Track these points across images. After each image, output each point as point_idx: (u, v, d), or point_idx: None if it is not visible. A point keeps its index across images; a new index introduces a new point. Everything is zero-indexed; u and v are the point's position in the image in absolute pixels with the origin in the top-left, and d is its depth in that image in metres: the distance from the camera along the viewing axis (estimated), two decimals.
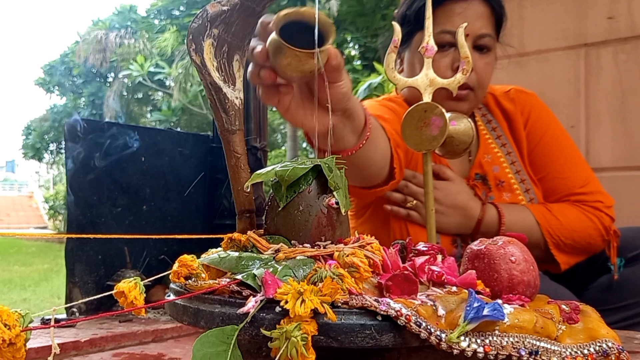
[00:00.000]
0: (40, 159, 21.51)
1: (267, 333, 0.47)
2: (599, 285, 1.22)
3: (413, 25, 1.17)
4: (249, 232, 0.61)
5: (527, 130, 1.25)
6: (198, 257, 0.60)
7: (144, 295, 0.55)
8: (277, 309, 0.48)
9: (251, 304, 0.50)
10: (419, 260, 0.58)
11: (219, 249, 0.63)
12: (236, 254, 0.58)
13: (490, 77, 1.20)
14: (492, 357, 0.48)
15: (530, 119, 1.25)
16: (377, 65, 7.16)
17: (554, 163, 1.23)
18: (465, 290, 0.53)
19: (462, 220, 1.13)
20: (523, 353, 0.48)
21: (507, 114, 1.26)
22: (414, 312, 0.48)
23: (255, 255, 0.57)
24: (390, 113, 1.15)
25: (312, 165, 0.59)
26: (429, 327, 0.48)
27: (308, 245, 0.57)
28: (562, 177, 1.22)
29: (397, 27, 0.87)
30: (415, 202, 1.12)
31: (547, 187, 1.23)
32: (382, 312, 0.48)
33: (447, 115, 0.84)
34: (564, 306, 0.55)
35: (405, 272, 0.53)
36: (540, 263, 1.19)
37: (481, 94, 1.19)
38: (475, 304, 0.49)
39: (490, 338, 0.48)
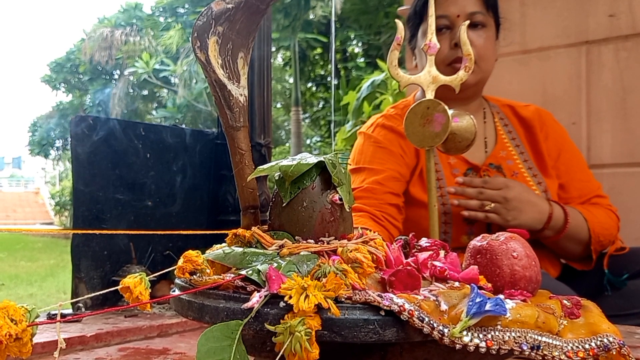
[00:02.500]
0: (46, 156, 21.59)
1: (271, 328, 0.48)
2: (615, 293, 1.25)
3: (414, 19, 1.28)
4: (253, 228, 0.61)
5: (547, 143, 1.32)
6: (203, 253, 0.60)
7: (149, 290, 0.56)
8: (281, 304, 0.49)
9: (255, 299, 0.50)
10: (422, 255, 0.58)
11: (224, 244, 0.63)
12: (240, 249, 0.58)
13: (491, 50, 1.26)
14: (494, 352, 0.48)
15: (549, 135, 1.32)
16: (380, 63, 7.15)
17: (576, 171, 1.31)
18: (468, 286, 0.53)
19: (537, 215, 1.16)
20: (525, 348, 0.49)
21: (525, 122, 1.33)
22: (416, 307, 0.49)
23: (259, 250, 0.57)
24: (385, 152, 1.24)
25: (315, 161, 0.59)
26: (431, 322, 0.48)
27: (312, 241, 0.58)
28: (584, 180, 1.31)
29: (400, 24, 0.88)
30: (493, 205, 1.14)
31: (572, 189, 1.30)
32: (385, 307, 0.48)
33: (450, 112, 0.84)
34: (565, 301, 0.55)
35: (408, 267, 0.54)
36: (571, 260, 1.27)
37: (484, 66, 1.25)
38: (478, 299, 0.49)
39: (493, 333, 0.49)
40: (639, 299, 1.18)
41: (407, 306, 0.48)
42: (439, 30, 1.19)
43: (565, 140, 1.33)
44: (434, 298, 0.51)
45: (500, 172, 1.25)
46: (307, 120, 14.68)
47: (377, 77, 6.06)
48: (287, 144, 14.99)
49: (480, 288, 0.53)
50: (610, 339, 0.51)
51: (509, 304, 0.51)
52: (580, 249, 1.23)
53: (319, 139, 14.38)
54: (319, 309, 0.48)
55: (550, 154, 1.30)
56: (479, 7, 1.22)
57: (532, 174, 1.26)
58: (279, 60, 14.60)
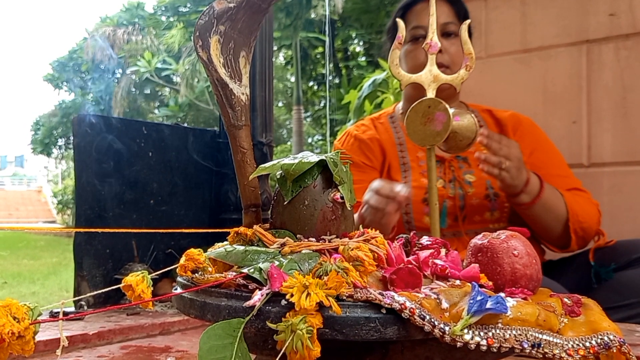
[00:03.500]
0: (48, 154, 21.63)
1: (272, 326, 0.48)
2: (604, 286, 1.27)
3: (393, 31, 1.35)
4: (255, 226, 0.61)
5: (521, 143, 1.35)
6: (205, 251, 0.60)
7: (152, 288, 0.56)
8: (283, 302, 0.49)
9: (257, 297, 0.50)
10: (423, 254, 0.58)
11: (226, 242, 0.63)
12: (242, 247, 0.58)
13: (462, 57, 1.31)
14: (495, 350, 0.48)
15: (524, 135, 1.38)
16: (381, 62, 7.14)
17: (550, 166, 1.35)
18: (469, 284, 0.53)
19: (522, 177, 1.21)
20: (525, 346, 0.49)
21: (499, 122, 1.40)
22: (418, 305, 0.49)
23: (261, 249, 0.58)
24: (359, 162, 1.35)
25: (317, 159, 0.59)
26: (432, 320, 0.49)
27: (313, 239, 0.58)
28: (562, 175, 1.34)
29: (401, 24, 0.88)
30: (508, 163, 1.16)
31: (549, 182, 1.32)
32: (386, 305, 0.49)
33: (451, 110, 0.84)
34: (566, 299, 0.55)
35: (409, 265, 0.54)
36: (552, 243, 1.30)
37: (457, 71, 1.31)
38: (479, 297, 0.49)
39: (493, 331, 0.49)
40: (628, 291, 1.20)
41: (408, 304, 0.48)
42: (415, 39, 1.30)
43: (540, 139, 1.39)
44: (435, 296, 0.51)
45: (465, 162, 1.32)
46: (308, 119, 14.68)
47: (378, 76, 6.06)
48: (289, 143, 15.00)
49: (481, 286, 0.53)
50: (611, 337, 0.51)
51: (510, 302, 0.51)
52: (560, 227, 1.25)
53: (320, 138, 14.39)
54: (321, 307, 0.48)
55: (523, 151, 1.34)
56: (452, 17, 1.32)
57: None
58: (280, 59, 14.61)
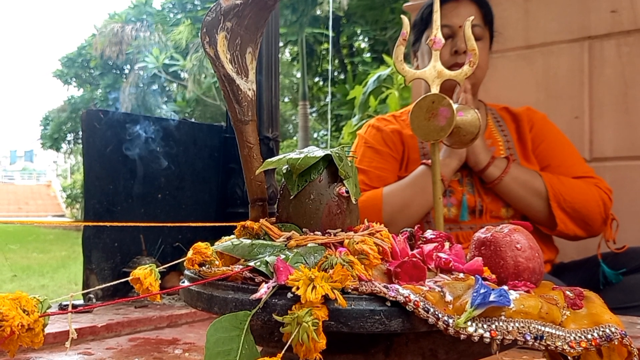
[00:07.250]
0: (58, 149, 21.69)
1: (279, 318, 0.48)
2: (612, 287, 1.29)
3: (420, 25, 1.38)
4: (261, 220, 0.62)
5: (532, 133, 1.40)
6: (212, 245, 0.61)
7: (159, 281, 0.57)
8: (289, 295, 0.49)
9: (263, 290, 0.51)
10: (427, 247, 0.59)
11: (232, 236, 0.64)
12: (249, 241, 0.59)
13: (485, 60, 1.36)
14: (498, 342, 0.49)
15: (535, 125, 1.41)
16: (386, 58, 7.12)
17: (559, 155, 1.37)
18: (472, 277, 0.54)
19: (486, 149, 1.29)
20: (528, 338, 0.49)
21: (515, 116, 1.43)
22: (422, 298, 0.49)
23: (267, 242, 0.58)
24: (372, 152, 1.39)
25: (322, 154, 0.60)
26: (436, 312, 0.49)
27: (319, 232, 0.59)
28: (566, 165, 1.36)
29: (405, 20, 0.88)
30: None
31: (556, 172, 1.35)
32: (391, 298, 0.49)
33: (455, 106, 0.84)
34: (568, 292, 0.55)
35: (414, 259, 0.54)
36: (536, 222, 1.31)
37: (478, 73, 1.35)
38: (482, 290, 0.50)
39: (497, 323, 0.49)
40: (636, 293, 1.22)
41: (412, 297, 0.49)
42: None
43: (551, 131, 1.41)
44: (439, 289, 0.51)
45: None
46: (314, 114, 14.66)
47: (383, 71, 6.05)
48: (295, 138, 14.99)
49: (484, 279, 0.53)
50: (612, 329, 0.51)
51: (513, 294, 0.51)
52: (542, 204, 1.28)
53: (325, 133, 14.37)
54: (326, 299, 0.48)
55: (534, 141, 1.39)
56: (479, 21, 1.34)
57: (512, 159, 1.34)
58: (286, 55, 14.59)
